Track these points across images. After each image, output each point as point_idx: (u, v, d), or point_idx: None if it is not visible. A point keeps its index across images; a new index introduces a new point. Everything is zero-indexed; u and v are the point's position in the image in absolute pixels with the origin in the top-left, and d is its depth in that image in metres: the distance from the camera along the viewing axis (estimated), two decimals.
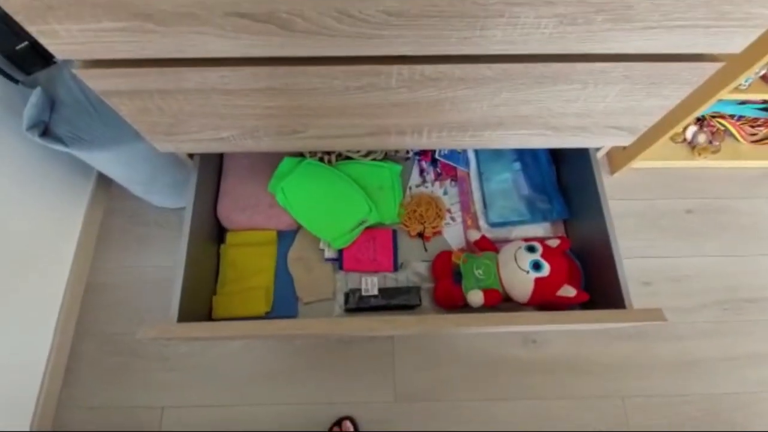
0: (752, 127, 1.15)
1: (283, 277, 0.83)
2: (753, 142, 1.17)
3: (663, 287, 1.17)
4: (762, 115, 1.11)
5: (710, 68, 0.52)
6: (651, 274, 1.19)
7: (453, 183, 0.92)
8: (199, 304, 0.77)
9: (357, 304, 0.81)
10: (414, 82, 0.54)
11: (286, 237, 0.87)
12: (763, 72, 0.86)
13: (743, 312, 1.14)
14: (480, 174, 0.89)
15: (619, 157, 1.22)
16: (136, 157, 0.95)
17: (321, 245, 0.85)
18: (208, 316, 0.80)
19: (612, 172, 1.26)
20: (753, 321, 1.13)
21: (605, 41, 0.47)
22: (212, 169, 0.85)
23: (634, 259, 1.20)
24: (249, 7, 0.42)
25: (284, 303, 0.81)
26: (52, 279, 1.09)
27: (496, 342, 1.09)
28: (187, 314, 0.69)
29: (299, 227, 0.86)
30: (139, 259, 1.19)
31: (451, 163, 0.91)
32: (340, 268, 0.84)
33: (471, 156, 0.91)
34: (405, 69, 0.51)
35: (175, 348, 1.08)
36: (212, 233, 0.84)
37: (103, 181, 1.22)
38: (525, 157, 0.90)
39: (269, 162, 0.85)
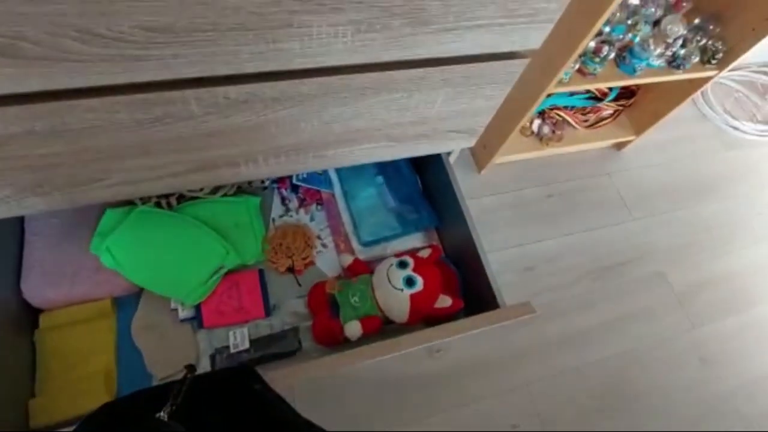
0: (583, 114, 1.29)
1: (128, 354, 0.68)
2: (586, 127, 1.32)
3: (542, 269, 1.24)
4: (588, 103, 1.26)
5: (518, 65, 0.53)
6: (531, 259, 1.26)
7: (319, 207, 0.86)
8: (9, 415, 0.60)
9: (227, 365, 0.70)
10: (221, 107, 0.46)
11: (126, 304, 0.72)
12: (577, 66, 0.96)
13: (609, 278, 1.26)
14: (345, 193, 0.85)
15: (482, 156, 1.28)
16: None
17: (173, 305, 0.72)
18: (27, 428, 0.62)
19: (479, 170, 1.32)
20: (617, 285, 1.26)
21: (412, 47, 0.45)
22: (7, 236, 0.67)
23: (515, 248, 1.26)
24: None
25: (133, 385, 0.66)
26: None
27: (401, 362, 1.05)
28: None
29: (142, 289, 0.72)
30: None
31: (312, 187, 0.85)
32: (200, 326, 0.72)
33: (333, 176, 0.87)
34: (203, 92, 0.44)
35: None
36: (19, 319, 0.66)
37: None
38: (387, 169, 0.88)
39: (87, 216, 0.70)
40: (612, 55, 0.94)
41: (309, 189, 0.85)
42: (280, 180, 0.85)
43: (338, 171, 0.87)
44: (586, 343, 1.17)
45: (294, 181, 0.84)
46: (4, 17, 0.31)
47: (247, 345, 0.71)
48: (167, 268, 0.71)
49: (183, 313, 0.72)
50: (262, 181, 0.85)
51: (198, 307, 0.72)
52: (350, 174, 0.86)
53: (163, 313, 0.72)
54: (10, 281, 0.66)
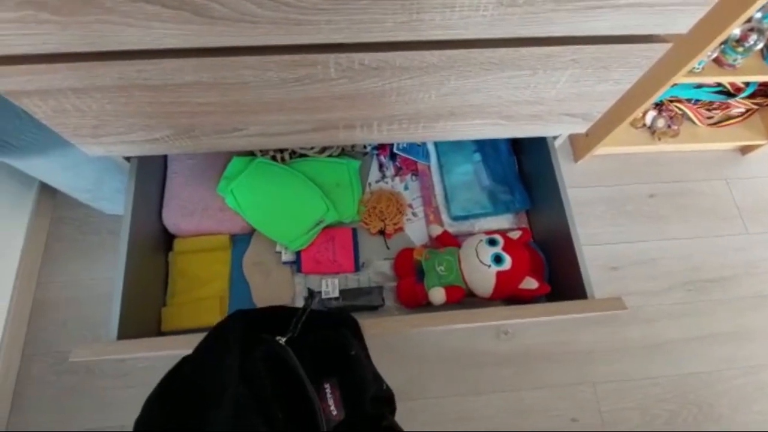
0: (708, 110, 1.16)
1: (239, 285, 0.79)
2: (710, 125, 1.19)
3: (630, 271, 1.17)
4: (717, 98, 1.12)
5: (659, 50, 0.50)
6: (618, 259, 1.19)
7: (414, 177, 0.89)
8: (147, 317, 0.73)
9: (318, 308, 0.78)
10: (354, 72, 0.50)
11: (240, 241, 0.82)
12: (715, 55, 0.87)
13: (706, 292, 1.16)
14: (441, 167, 0.87)
15: (582, 144, 1.22)
16: (78, 162, 0.89)
17: (278, 248, 0.81)
18: (158, 330, 0.75)
19: (576, 159, 1.26)
20: (715, 300, 1.15)
21: (549, 23, 0.45)
22: (154, 171, 0.79)
23: (603, 245, 1.20)
24: None
25: None
26: None
27: (468, 337, 1.07)
28: (131, 329, 0.64)
29: (254, 230, 0.81)
30: (91, 270, 1.12)
31: (410, 157, 0.88)
32: (299, 271, 0.80)
33: (431, 149, 0.89)
34: (342, 58, 0.48)
35: (134, 363, 1.02)
36: (158, 241, 0.79)
37: (48, 189, 1.14)
38: (485, 147, 0.88)
39: (217, 162, 0.80)
40: (760, 46, 0.84)
41: (407, 159, 0.88)
42: (381, 147, 0.89)
43: (437, 144, 0.89)
44: (665, 355, 1.11)
45: (394, 149, 0.87)
46: None
47: (336, 294, 0.78)
48: (277, 215, 0.79)
49: (285, 257, 0.81)
50: (365, 146, 0.90)
51: (298, 254, 0.80)
52: (448, 148, 0.87)
53: (269, 253, 0.81)
54: (154, 209, 0.79)
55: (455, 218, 0.84)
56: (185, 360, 0.53)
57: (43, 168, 0.89)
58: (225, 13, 0.40)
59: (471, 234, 0.82)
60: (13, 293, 1.05)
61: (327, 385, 0.54)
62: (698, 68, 0.87)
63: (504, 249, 0.71)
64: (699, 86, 1.11)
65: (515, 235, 0.77)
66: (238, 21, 0.41)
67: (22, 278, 1.08)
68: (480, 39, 0.46)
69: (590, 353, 1.09)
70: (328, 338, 0.57)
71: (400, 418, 0.54)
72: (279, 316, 0.55)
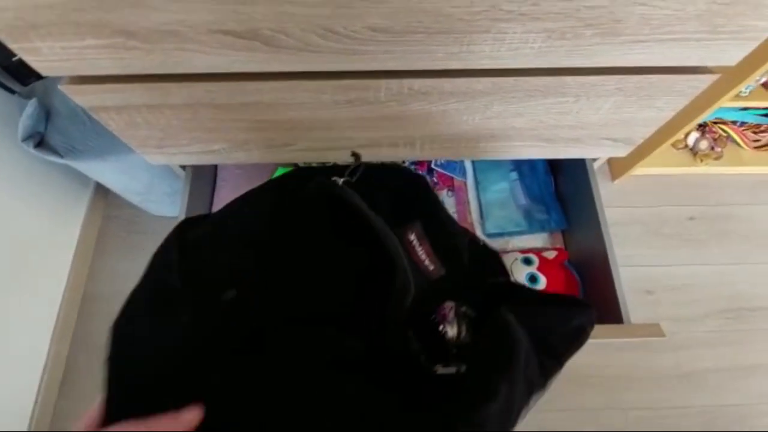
0: (755, 133, 1.13)
1: None
2: (756, 148, 1.15)
3: (665, 296, 1.15)
4: (764, 121, 1.09)
5: (705, 80, 0.51)
6: (653, 282, 1.17)
7: (450, 193, 0.91)
8: None
9: None
10: (403, 95, 0.53)
11: None
12: (763, 80, 0.85)
13: (745, 321, 1.12)
14: (477, 183, 0.88)
15: (620, 165, 1.21)
16: (133, 167, 0.95)
17: None
18: None
19: (613, 179, 1.25)
20: (755, 330, 1.11)
21: (595, 55, 0.46)
22: (206, 179, 0.84)
23: (637, 267, 1.18)
24: (233, 25, 0.41)
25: None
26: (49, 289, 1.09)
27: None
28: None
29: None
30: (137, 267, 1.19)
31: (447, 173, 0.90)
32: None
33: (468, 165, 0.90)
34: (393, 83, 0.51)
35: None
36: None
37: (102, 189, 1.22)
38: (522, 166, 0.89)
39: (264, 172, 0.85)
40: None
41: (443, 174, 0.90)
42: (419, 162, 0.92)
43: (474, 162, 0.91)
44: (699, 385, 1.07)
45: (432, 165, 0.90)
46: (276, 15, 0.40)
47: None
48: None
49: None
50: (403, 162, 0.92)
51: None
52: (485, 166, 0.89)
53: None
54: (204, 213, 0.83)
55: (489, 235, 0.85)
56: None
57: (102, 170, 0.96)
58: (291, 44, 0.43)
59: (505, 252, 0.83)
60: (66, 285, 1.13)
61: (412, 235, 0.43)
62: (745, 92, 0.85)
63: (539, 269, 0.72)
64: (745, 108, 1.09)
65: (551, 255, 0.77)
66: (302, 50, 0.44)
67: (75, 272, 1.15)
68: (525, 69, 0.48)
69: (621, 378, 1.07)
70: (398, 178, 0.46)
71: None
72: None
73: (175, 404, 0.28)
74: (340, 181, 0.41)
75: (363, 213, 0.36)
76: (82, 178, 1.16)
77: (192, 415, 0.28)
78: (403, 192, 0.46)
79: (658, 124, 0.60)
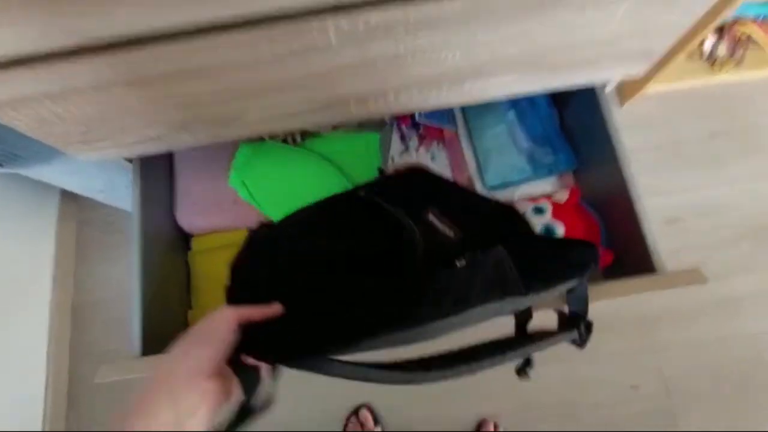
0: None
1: None
2: None
3: (691, 223, 1.06)
4: None
5: None
6: (677, 210, 1.07)
7: (440, 146, 0.80)
8: (174, 322, 0.70)
9: None
10: (358, 36, 0.41)
11: None
12: None
13: None
14: (470, 131, 0.77)
15: (629, 85, 1.07)
16: (83, 166, 0.86)
17: None
18: None
19: (622, 102, 1.12)
20: None
21: None
22: (160, 169, 0.74)
23: (657, 196, 1.08)
24: None
25: None
26: (35, 306, 1.03)
27: None
28: (158, 339, 0.62)
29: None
30: (122, 268, 1.13)
31: (434, 124, 0.78)
32: None
33: (457, 112, 0.79)
34: (343, 21, 0.39)
35: None
36: (176, 242, 0.75)
37: (69, 193, 1.13)
38: (520, 103, 0.77)
39: (225, 151, 0.74)
40: None
41: (430, 126, 0.79)
42: (401, 117, 0.80)
43: (463, 107, 0.79)
44: (736, 314, 1.00)
45: (416, 117, 0.78)
46: None
47: None
48: (294, 202, 0.73)
49: None
50: (382, 119, 0.81)
51: None
52: (477, 109, 0.77)
53: None
54: (166, 210, 0.74)
55: (491, 187, 0.75)
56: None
57: (52, 174, 0.87)
58: None
59: (511, 203, 0.73)
60: (52, 298, 1.07)
61: (430, 215, 0.58)
62: None
63: (554, 216, 0.62)
64: None
65: (562, 197, 0.68)
66: None
67: (60, 283, 1.09)
68: None
69: (655, 316, 1.01)
70: (409, 177, 0.68)
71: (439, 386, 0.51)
72: None
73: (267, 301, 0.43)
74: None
75: (385, 207, 0.60)
76: (43, 184, 1.07)
77: (277, 308, 0.43)
78: (419, 189, 0.67)
79: (684, 28, 0.48)
